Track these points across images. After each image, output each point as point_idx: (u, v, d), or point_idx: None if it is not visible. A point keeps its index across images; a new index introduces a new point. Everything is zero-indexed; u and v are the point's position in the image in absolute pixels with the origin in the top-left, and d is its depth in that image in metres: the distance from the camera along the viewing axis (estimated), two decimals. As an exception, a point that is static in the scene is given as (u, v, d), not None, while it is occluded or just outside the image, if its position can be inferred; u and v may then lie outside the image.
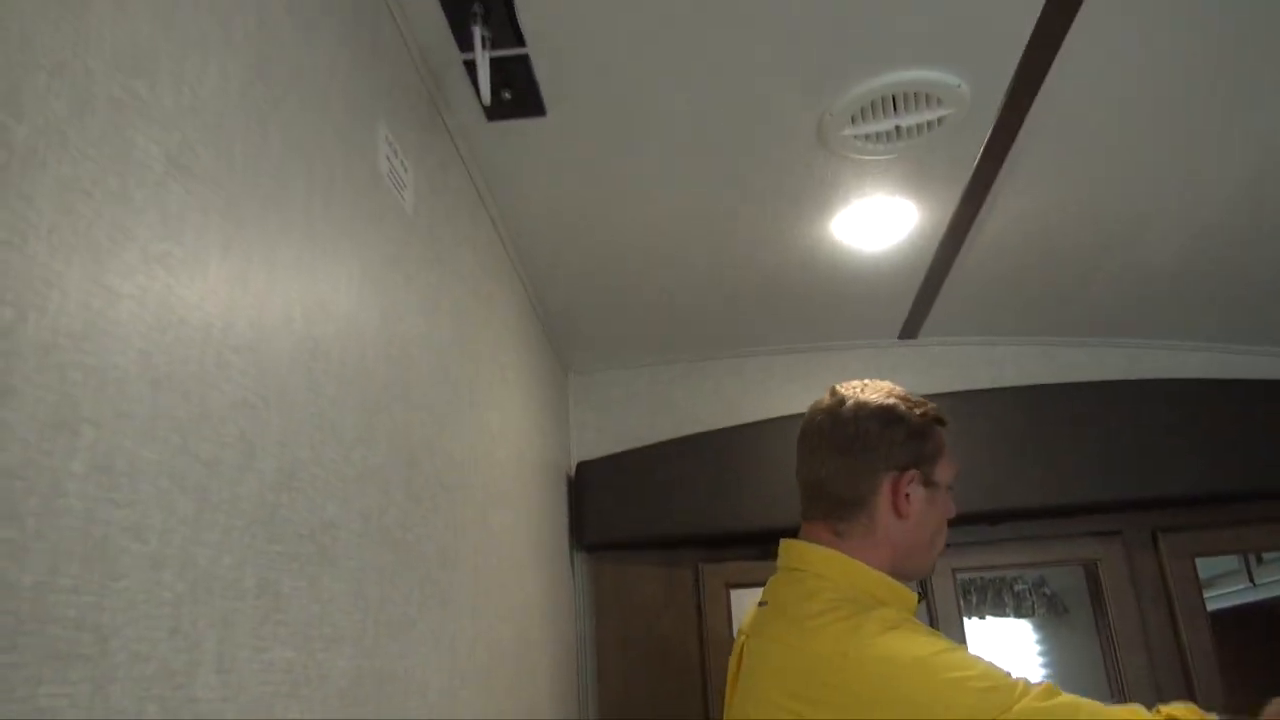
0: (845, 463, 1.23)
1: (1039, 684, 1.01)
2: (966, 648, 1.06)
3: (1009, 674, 1.02)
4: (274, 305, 0.75)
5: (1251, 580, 2.82)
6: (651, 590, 2.10)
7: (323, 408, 0.82)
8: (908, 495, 1.22)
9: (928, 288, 1.94)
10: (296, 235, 0.80)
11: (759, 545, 2.07)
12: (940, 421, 1.27)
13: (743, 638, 1.22)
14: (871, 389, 1.27)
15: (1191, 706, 1.03)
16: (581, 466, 2.14)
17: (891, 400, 1.26)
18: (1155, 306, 2.03)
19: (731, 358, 2.29)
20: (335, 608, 0.80)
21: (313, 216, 0.84)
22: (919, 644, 1.06)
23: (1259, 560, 2.75)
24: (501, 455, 1.52)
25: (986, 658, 1.04)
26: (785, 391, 2.26)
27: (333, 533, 0.81)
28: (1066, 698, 0.99)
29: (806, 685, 1.07)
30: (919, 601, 1.25)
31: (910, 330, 2.18)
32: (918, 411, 1.26)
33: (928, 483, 1.24)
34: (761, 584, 1.51)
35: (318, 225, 0.85)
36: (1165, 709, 1.04)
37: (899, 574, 1.22)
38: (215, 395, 0.65)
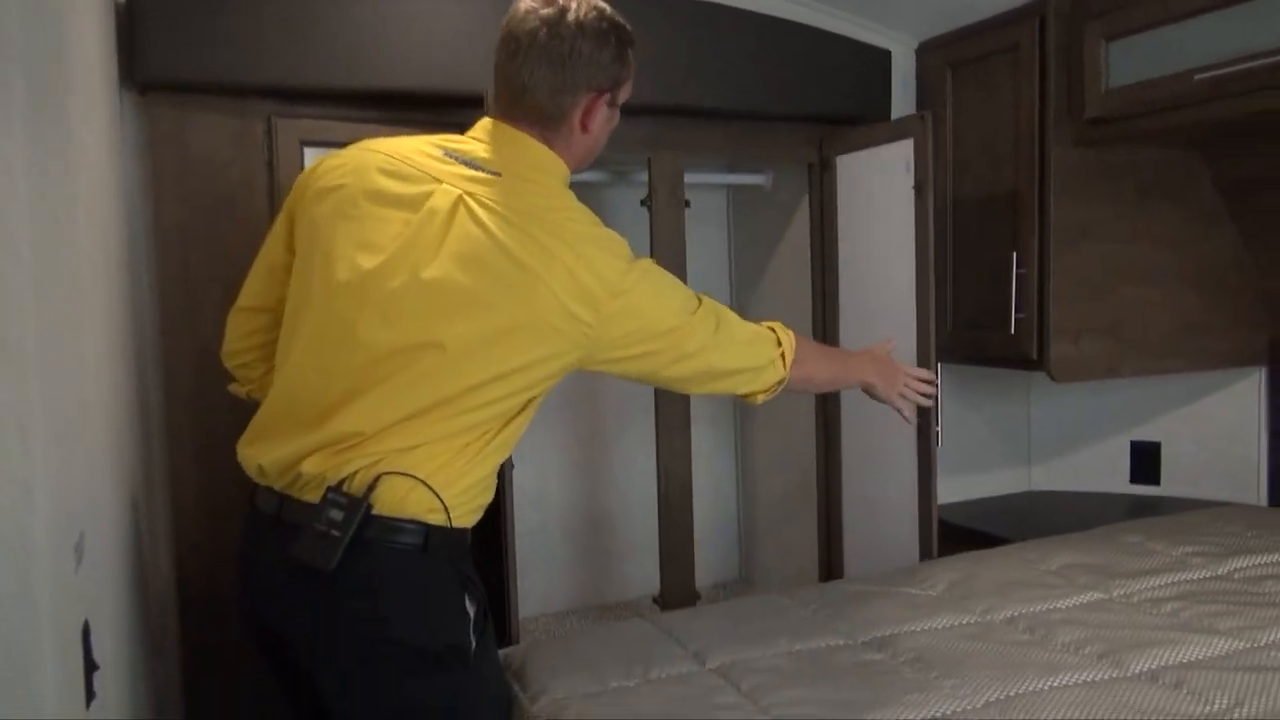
0: (555, 77, 1.33)
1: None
2: None
3: None
4: None
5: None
6: (217, 141, 1.99)
7: None
8: (595, 114, 1.37)
9: None
10: None
11: (338, 104, 2.04)
12: (633, 45, 1.40)
13: (455, 193, 1.29)
14: (585, 5, 1.33)
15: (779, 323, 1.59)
16: (134, -9, 1.87)
17: (605, 24, 1.34)
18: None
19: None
20: None
21: None
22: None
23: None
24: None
25: None
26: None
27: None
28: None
29: (596, 268, 1.30)
30: None
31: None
32: (625, 38, 1.37)
33: (611, 104, 1.40)
34: (339, 143, 1.54)
35: None
36: (768, 324, 1.58)
37: None
38: None
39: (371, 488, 1.26)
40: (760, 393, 1.56)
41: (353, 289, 1.29)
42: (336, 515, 1.24)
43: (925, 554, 2.33)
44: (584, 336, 1.30)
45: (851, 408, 2.62)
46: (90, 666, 1.00)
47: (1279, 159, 2.35)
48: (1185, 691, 1.49)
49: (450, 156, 1.34)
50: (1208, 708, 1.44)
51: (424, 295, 1.27)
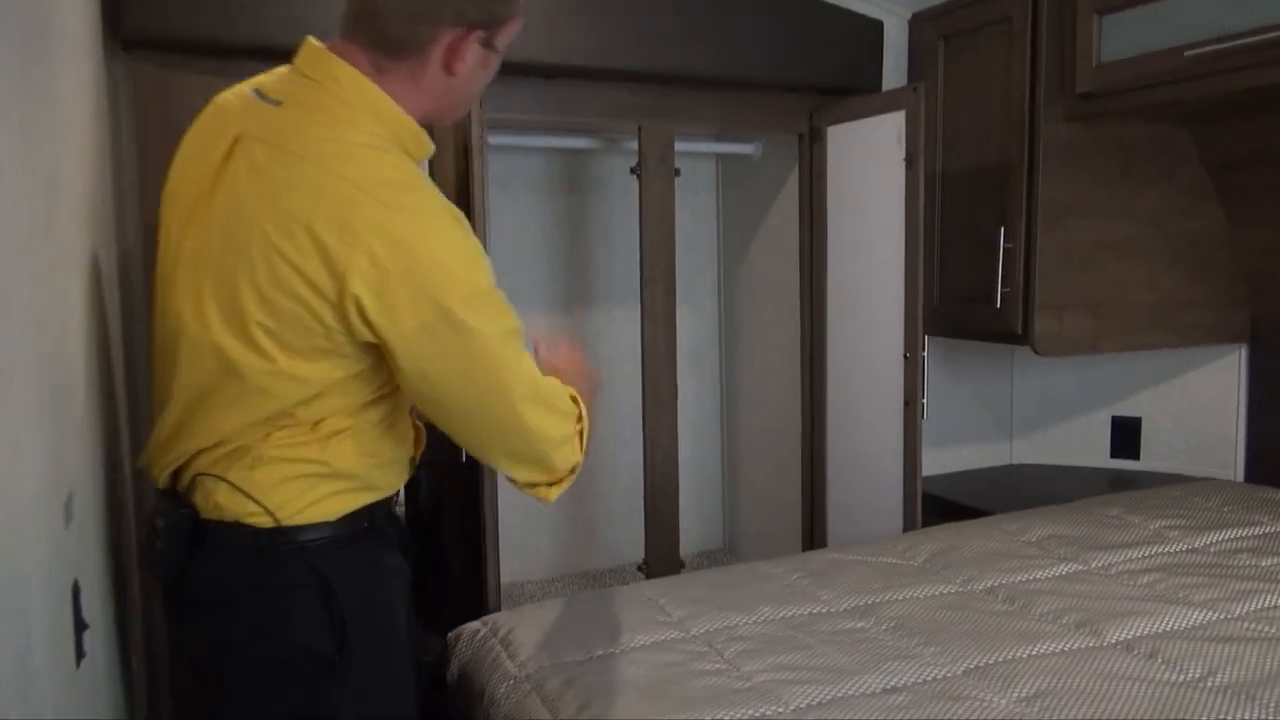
0: (412, 1, 1.13)
1: None
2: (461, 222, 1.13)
3: None
4: None
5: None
6: (203, 101, 1.94)
7: None
8: (464, 55, 1.16)
9: None
10: None
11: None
12: None
13: (234, 130, 1.13)
14: None
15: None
16: (118, -55, 1.84)
17: None
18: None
19: None
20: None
21: None
22: (443, 210, 1.12)
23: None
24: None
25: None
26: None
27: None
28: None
29: (341, 217, 1.05)
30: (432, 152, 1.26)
31: None
32: None
33: (487, 44, 1.18)
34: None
35: None
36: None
37: (427, 121, 1.21)
38: None
39: (190, 490, 1.17)
40: (554, 483, 1.25)
41: (166, 263, 1.20)
42: (160, 522, 1.18)
43: (909, 525, 2.35)
44: (334, 310, 1.07)
45: (837, 380, 2.63)
46: (80, 625, 1.00)
47: (1266, 137, 2.36)
48: (1160, 660, 1.52)
49: (254, 93, 1.18)
50: (1182, 676, 1.47)
51: (180, 262, 1.15)
